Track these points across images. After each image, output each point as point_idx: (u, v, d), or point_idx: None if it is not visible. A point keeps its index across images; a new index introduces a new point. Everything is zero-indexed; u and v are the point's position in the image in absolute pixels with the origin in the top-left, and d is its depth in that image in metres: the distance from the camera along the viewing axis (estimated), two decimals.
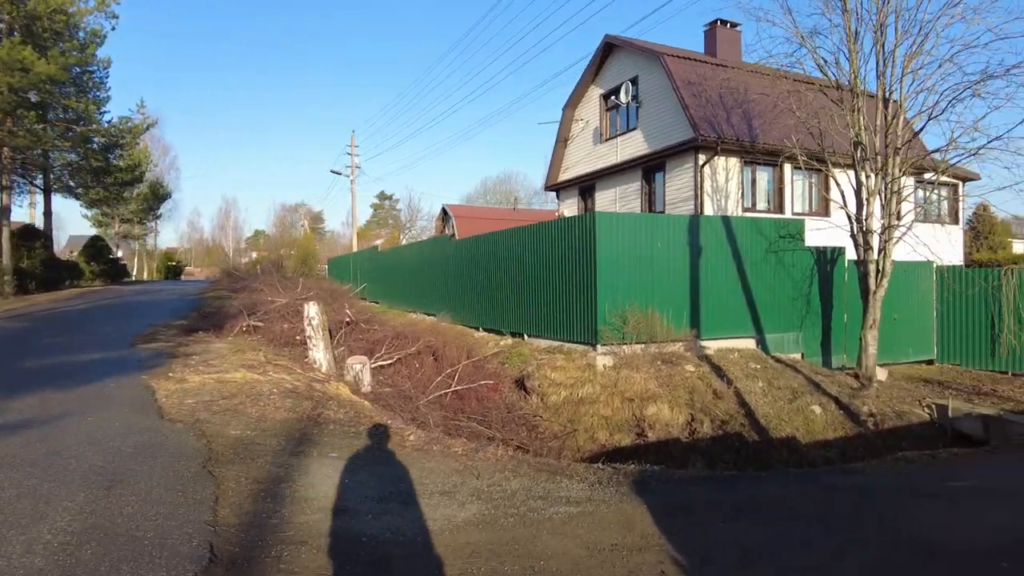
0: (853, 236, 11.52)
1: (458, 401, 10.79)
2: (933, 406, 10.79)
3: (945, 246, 16.25)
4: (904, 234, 11.30)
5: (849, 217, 11.51)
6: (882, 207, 11.23)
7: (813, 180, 16.74)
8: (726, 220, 12.13)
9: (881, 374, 11.91)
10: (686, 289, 11.64)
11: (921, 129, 10.81)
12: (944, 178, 17.24)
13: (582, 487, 4.92)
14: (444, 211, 39.81)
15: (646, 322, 11.12)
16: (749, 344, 12.08)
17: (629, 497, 4.72)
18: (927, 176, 14.60)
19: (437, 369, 11.69)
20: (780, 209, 16.54)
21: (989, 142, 10.16)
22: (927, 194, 18.08)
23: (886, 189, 11.13)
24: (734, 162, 16.16)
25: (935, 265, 14.24)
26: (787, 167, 16.25)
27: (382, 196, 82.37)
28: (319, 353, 9.71)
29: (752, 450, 9.33)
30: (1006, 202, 50.77)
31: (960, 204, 19.62)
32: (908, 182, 11.59)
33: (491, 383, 11.46)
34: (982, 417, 10.23)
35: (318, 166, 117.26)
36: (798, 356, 12.36)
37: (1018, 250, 36.69)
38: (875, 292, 11.22)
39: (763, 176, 16.83)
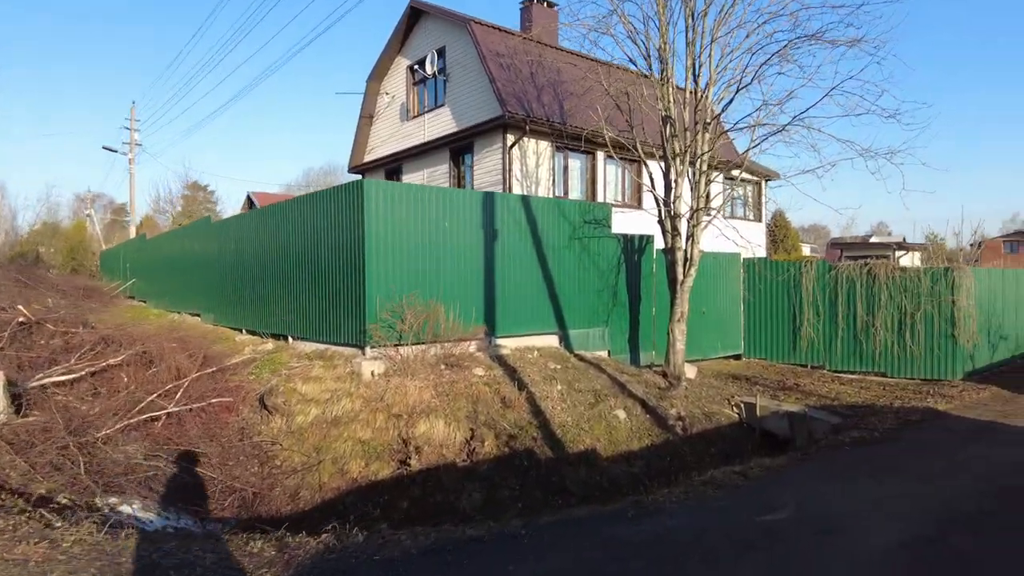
0: (661, 222, 10.51)
1: (174, 428, 8.00)
2: (742, 405, 10.08)
3: (751, 241, 16.13)
4: (713, 218, 10.43)
5: (657, 201, 10.45)
6: (691, 189, 10.27)
7: (627, 168, 15.88)
8: (526, 200, 10.44)
9: (690, 371, 10.97)
10: (479, 279, 9.75)
11: (730, 102, 9.97)
12: (747, 175, 17.37)
13: None
14: (250, 200, 35.42)
15: (429, 318, 9.03)
16: (551, 342, 10.49)
17: None
18: (736, 173, 14.26)
19: (154, 385, 8.74)
20: (592, 198, 15.44)
21: (793, 120, 9.66)
22: (734, 188, 18.11)
23: (695, 169, 10.18)
24: (545, 146, 14.75)
25: (742, 257, 13.80)
26: (600, 155, 15.28)
27: (195, 187, 73.47)
28: None
29: (544, 470, 7.65)
30: (805, 183, 55.53)
31: (763, 201, 20.06)
32: (717, 177, 10.93)
33: (227, 401, 8.75)
34: (788, 415, 9.78)
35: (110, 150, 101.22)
36: (604, 354, 11.02)
37: (806, 253, 40.73)
38: (683, 282, 10.23)
39: (575, 164, 15.65)
